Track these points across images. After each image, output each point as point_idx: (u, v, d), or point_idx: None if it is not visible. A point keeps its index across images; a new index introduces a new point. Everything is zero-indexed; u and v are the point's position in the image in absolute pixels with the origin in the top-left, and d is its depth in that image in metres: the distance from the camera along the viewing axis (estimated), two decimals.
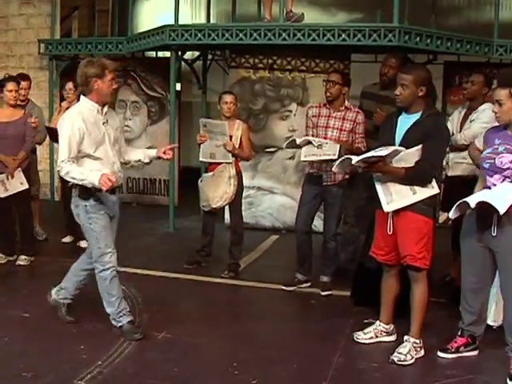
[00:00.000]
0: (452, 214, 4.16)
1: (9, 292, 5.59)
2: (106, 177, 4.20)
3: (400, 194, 4.23)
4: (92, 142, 4.40)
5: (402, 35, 6.85)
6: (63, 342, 4.48)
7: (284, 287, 5.88)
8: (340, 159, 4.49)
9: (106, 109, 4.53)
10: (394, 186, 4.24)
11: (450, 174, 5.68)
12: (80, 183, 4.35)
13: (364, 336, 4.64)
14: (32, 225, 6.84)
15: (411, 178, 4.20)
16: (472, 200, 3.96)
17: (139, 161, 4.91)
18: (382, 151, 4.12)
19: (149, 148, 9.27)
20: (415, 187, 4.21)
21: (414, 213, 4.23)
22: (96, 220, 4.48)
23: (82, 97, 4.53)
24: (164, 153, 4.67)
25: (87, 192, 4.42)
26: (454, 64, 8.44)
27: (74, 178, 4.34)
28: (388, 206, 4.27)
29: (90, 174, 4.31)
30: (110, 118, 4.60)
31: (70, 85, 7.11)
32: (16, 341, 4.46)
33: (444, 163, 5.31)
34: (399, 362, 4.24)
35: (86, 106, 4.48)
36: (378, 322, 4.66)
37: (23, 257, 6.38)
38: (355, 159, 4.21)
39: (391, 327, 4.65)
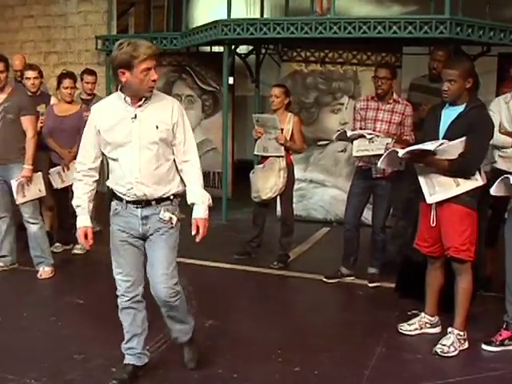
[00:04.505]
0: (493, 191, 4.14)
1: (65, 279, 5.83)
2: (82, 231, 3.77)
3: (443, 185, 4.24)
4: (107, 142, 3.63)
5: (454, 27, 6.80)
6: (114, 328, 4.59)
7: (325, 279, 5.92)
8: (386, 153, 4.53)
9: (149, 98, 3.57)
10: (437, 177, 4.25)
11: None
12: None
13: (408, 327, 4.66)
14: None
15: (454, 170, 4.19)
16: None
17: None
18: (429, 145, 4.14)
19: (203, 141, 9.72)
20: (458, 179, 4.21)
21: (458, 204, 4.23)
22: (112, 233, 3.81)
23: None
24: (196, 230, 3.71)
25: (111, 195, 3.78)
26: (509, 56, 8.29)
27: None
28: (431, 198, 4.28)
29: (78, 201, 3.77)
30: (153, 111, 3.58)
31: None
32: (69, 325, 4.66)
33: None
34: (442, 354, 4.26)
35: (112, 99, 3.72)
36: (422, 314, 4.68)
37: (79, 246, 6.58)
38: (401, 152, 4.25)
39: (436, 319, 4.67)
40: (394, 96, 5.67)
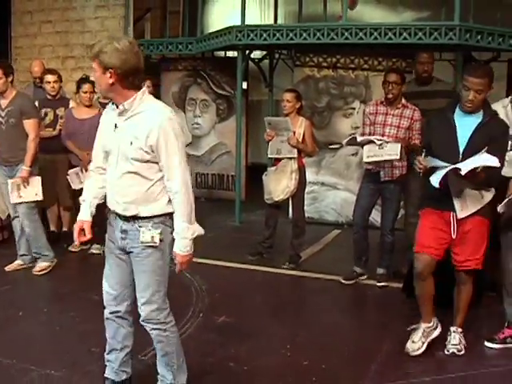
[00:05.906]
0: (500, 208, 4.16)
1: (82, 277, 6.02)
2: (78, 225, 3.54)
3: (472, 199, 4.18)
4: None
5: (463, 33, 6.91)
6: None
7: (343, 281, 6.02)
8: (447, 169, 4.04)
9: (125, 107, 3.22)
10: (468, 191, 4.16)
11: None
12: None
13: (415, 346, 4.41)
14: (105, 216, 7.22)
15: (488, 181, 4.13)
16: None
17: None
18: (494, 162, 3.94)
19: (217, 145, 9.92)
20: (483, 191, 4.18)
21: (480, 216, 4.21)
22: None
23: None
24: None
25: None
26: None
27: None
28: (462, 212, 4.19)
29: (84, 195, 3.57)
30: (132, 124, 3.23)
31: (148, 82, 7.43)
32: (86, 320, 4.82)
33: None
34: (459, 353, 4.34)
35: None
36: (422, 326, 4.49)
37: (96, 245, 6.78)
38: (464, 170, 3.95)
39: (434, 323, 4.53)
40: (403, 101, 5.76)
